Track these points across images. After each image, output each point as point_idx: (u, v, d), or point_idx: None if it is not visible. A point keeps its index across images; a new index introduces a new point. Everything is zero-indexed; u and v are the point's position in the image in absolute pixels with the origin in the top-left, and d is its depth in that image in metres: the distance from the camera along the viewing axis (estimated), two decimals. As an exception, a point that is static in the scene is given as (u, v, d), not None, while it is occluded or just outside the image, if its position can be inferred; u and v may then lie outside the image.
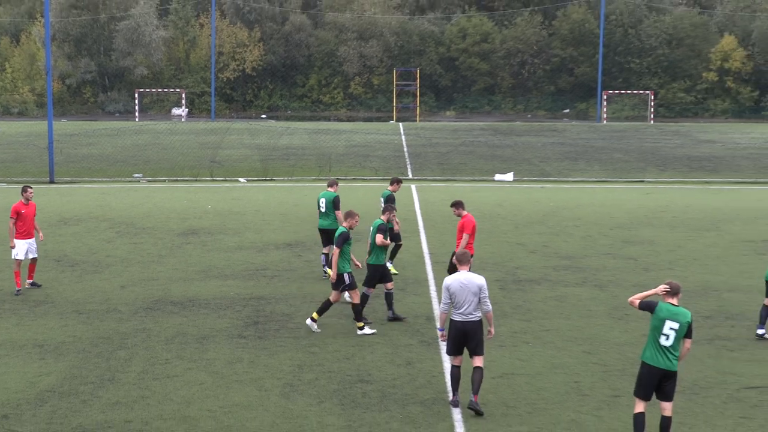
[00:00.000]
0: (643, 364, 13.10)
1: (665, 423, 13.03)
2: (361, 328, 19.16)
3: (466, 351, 14.95)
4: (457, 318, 15.00)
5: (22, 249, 22.84)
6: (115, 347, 18.48)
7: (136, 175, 47.28)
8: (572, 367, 17.23)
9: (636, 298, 13.28)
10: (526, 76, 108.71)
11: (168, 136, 72.50)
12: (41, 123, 71.27)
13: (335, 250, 19.36)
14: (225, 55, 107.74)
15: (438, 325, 16.11)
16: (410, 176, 47.46)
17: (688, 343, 13.09)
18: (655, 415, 13.24)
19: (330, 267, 21.15)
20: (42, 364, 17.49)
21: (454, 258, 16.31)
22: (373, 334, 19.10)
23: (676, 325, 12.88)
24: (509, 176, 46.89)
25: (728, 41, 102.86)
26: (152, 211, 35.05)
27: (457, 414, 14.90)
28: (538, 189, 43.29)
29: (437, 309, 21.28)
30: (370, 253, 20.44)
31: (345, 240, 19.44)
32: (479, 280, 15.06)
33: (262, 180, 45.63)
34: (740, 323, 20.15)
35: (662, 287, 13.03)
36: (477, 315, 14.99)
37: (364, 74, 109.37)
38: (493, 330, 15.42)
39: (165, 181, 44.74)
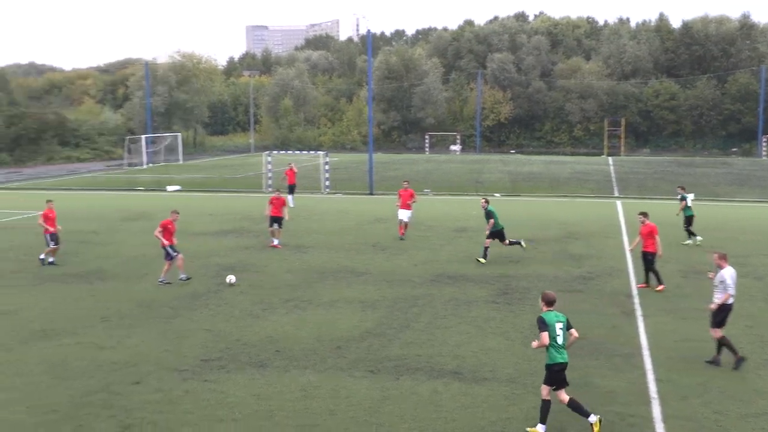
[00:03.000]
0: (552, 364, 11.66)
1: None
2: None
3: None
4: (732, 300, 14.54)
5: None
6: (409, 305, 18.85)
7: (426, 190, 47.97)
8: (737, 337, 16.12)
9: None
10: (703, 124, 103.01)
11: (447, 164, 73.17)
12: (364, 155, 73.64)
13: None
14: (486, 109, 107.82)
15: (720, 301, 14.45)
16: (616, 195, 45.81)
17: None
18: None
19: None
20: (363, 314, 18.07)
21: (716, 256, 14.78)
22: None
23: (561, 325, 11.80)
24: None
25: None
26: (435, 214, 35.52)
27: (648, 365, 14.34)
28: (711, 206, 40.80)
29: (635, 288, 20.53)
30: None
31: None
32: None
33: (511, 195, 45.34)
34: None
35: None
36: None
37: (584, 122, 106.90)
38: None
39: (444, 194, 45.24)
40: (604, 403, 12.47)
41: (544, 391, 11.60)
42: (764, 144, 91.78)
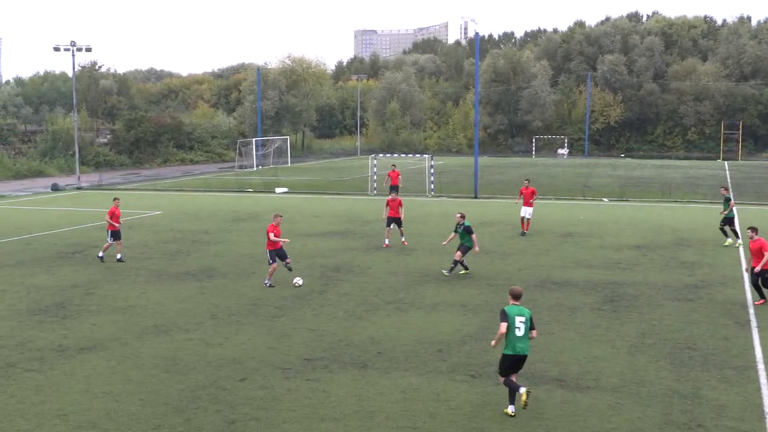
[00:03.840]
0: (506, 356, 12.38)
1: None
2: None
3: None
4: None
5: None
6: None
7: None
8: None
9: None
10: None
11: (554, 168, 72.06)
12: (470, 158, 73.39)
13: None
14: (596, 112, 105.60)
15: None
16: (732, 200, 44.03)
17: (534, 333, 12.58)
18: None
19: None
20: (464, 318, 18.01)
21: None
22: None
23: (523, 319, 12.35)
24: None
25: None
26: (541, 218, 34.99)
27: (763, 378, 13.72)
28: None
29: (750, 298, 19.70)
30: None
31: None
32: None
33: (620, 200, 44.22)
34: None
35: None
36: None
37: (698, 125, 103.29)
38: None
39: (550, 198, 44.53)
40: (715, 417, 12.02)
41: (501, 379, 12.48)
42: None
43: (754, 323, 17.43)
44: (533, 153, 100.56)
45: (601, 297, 20.04)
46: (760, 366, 14.44)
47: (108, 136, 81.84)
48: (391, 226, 28.01)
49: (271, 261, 21.44)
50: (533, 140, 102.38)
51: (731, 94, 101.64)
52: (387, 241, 27.85)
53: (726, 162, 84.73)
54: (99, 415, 12.19)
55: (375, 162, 50.22)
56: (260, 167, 74.81)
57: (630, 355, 14.99)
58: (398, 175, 41.49)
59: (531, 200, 30.91)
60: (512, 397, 12.17)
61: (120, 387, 13.42)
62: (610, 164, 79.57)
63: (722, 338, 16.28)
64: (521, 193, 31.32)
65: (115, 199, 26.67)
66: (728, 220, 28.56)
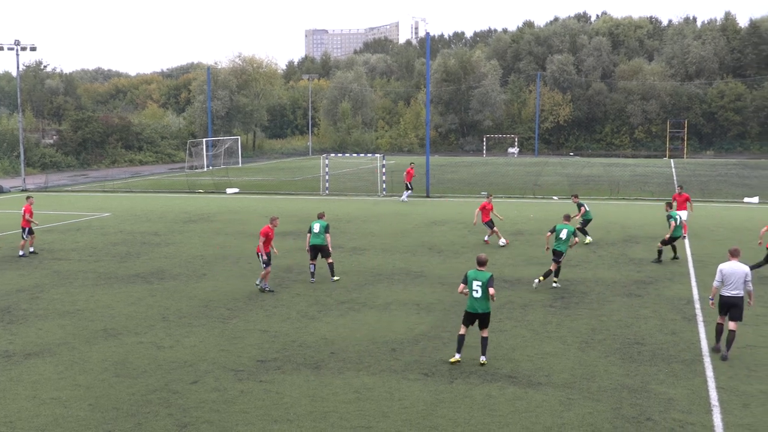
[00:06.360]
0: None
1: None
2: None
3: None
4: (725, 293, 14.98)
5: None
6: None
7: (483, 192, 47.77)
8: (802, 344, 15.71)
9: None
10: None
11: (504, 167, 72.71)
12: (421, 157, 73.59)
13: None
14: (545, 111, 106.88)
15: (711, 296, 15.44)
16: (678, 198, 44.93)
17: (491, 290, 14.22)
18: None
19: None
20: (417, 317, 18.06)
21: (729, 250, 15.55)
22: None
23: (480, 282, 14.29)
24: (755, 199, 43.48)
25: None
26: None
27: (710, 371, 14.01)
28: (778, 209, 39.75)
29: (697, 293, 20.13)
30: None
31: None
32: (746, 267, 15.03)
33: (569, 198, 44.76)
34: None
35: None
36: (741, 292, 14.90)
37: (645, 124, 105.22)
38: (752, 303, 15.63)
39: (501, 197, 44.91)
40: (664, 410, 12.24)
41: (461, 329, 14.53)
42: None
43: (700, 318, 17.80)
44: (484, 152, 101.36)
45: (551, 294, 20.27)
46: (706, 359, 14.73)
47: (54, 137, 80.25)
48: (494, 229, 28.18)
49: (265, 265, 20.54)
50: (484, 139, 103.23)
51: (676, 94, 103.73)
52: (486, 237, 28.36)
53: (672, 160, 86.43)
54: (47, 421, 11.95)
55: (327, 162, 50.10)
56: (211, 168, 74.13)
57: (580, 351, 15.19)
58: (411, 173, 44.67)
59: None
60: (460, 346, 14.55)
61: (68, 392, 13.17)
62: (560, 163, 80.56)
63: (670, 333, 16.59)
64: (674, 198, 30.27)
65: (28, 197, 27.90)
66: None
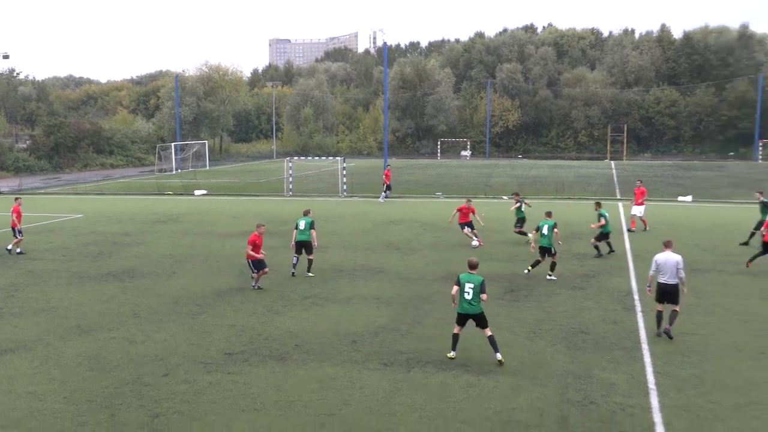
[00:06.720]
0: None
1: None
2: None
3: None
4: (661, 280, 15.50)
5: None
6: (421, 302, 18.89)
7: (437, 193, 48.03)
8: (731, 331, 16.10)
9: None
10: (702, 129, 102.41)
11: (457, 169, 73.08)
12: (380, 160, 73.72)
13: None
14: (495, 116, 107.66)
15: (648, 284, 16.28)
16: (618, 197, 45.66)
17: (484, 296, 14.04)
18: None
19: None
20: (377, 310, 18.12)
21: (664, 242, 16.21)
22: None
23: (472, 285, 13.95)
24: (689, 198, 44.33)
25: None
26: (447, 215, 35.46)
27: (647, 358, 14.30)
28: (709, 207, 40.60)
29: (635, 285, 20.49)
30: None
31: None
32: (677, 257, 15.50)
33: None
34: None
35: None
36: (675, 280, 15.40)
37: (588, 128, 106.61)
38: (686, 290, 15.80)
39: (455, 197, 45.12)
40: (606, 394, 12.46)
41: (455, 328, 14.29)
42: (760, 148, 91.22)
43: (638, 308, 18.13)
44: (438, 155, 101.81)
45: (502, 287, 20.47)
46: (645, 346, 15.02)
47: (27, 142, 78.74)
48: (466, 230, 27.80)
49: (254, 270, 20.15)
50: (438, 143, 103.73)
51: (617, 100, 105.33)
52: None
53: (613, 162, 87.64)
54: (22, 414, 11.77)
55: (290, 165, 49.91)
56: (179, 171, 73.34)
57: (529, 341, 15.38)
58: (388, 175, 45.43)
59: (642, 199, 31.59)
60: (454, 344, 14.25)
61: (43, 387, 12.98)
62: (509, 165, 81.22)
63: (611, 322, 16.87)
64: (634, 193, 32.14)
65: (17, 198, 27.85)
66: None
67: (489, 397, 12.35)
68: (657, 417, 11.56)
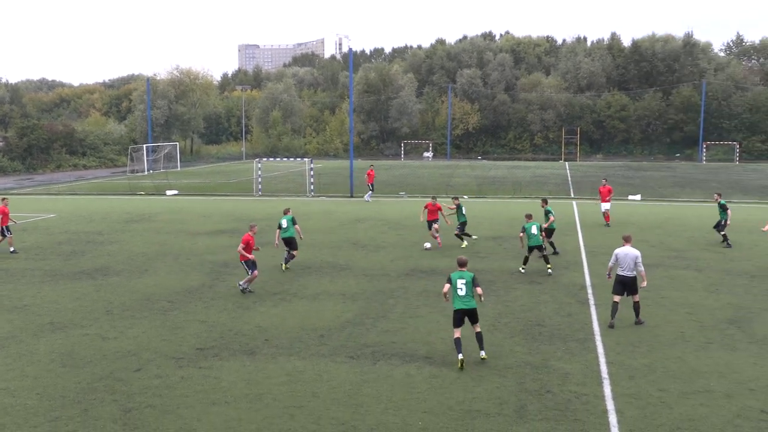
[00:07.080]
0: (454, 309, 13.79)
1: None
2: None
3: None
4: (620, 273, 15.96)
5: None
6: (386, 297, 18.86)
7: (401, 192, 48.08)
8: (679, 323, 16.33)
9: None
10: (650, 132, 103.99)
11: (420, 169, 73.22)
12: (345, 161, 73.55)
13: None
14: (456, 119, 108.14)
15: (607, 272, 16.89)
16: (572, 195, 46.14)
17: (479, 289, 13.77)
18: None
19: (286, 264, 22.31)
20: (344, 306, 18.05)
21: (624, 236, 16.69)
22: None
23: (464, 281, 13.68)
24: (638, 197, 44.96)
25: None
26: (410, 214, 35.58)
27: (600, 348, 14.42)
28: (657, 206, 41.20)
29: (589, 279, 20.69)
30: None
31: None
32: (636, 252, 15.99)
33: (478, 197, 45.50)
34: (798, 298, 18.46)
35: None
36: (633, 273, 15.85)
37: (543, 131, 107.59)
38: (645, 283, 16.18)
39: (418, 197, 45.27)
40: (561, 383, 12.53)
41: (455, 332, 13.66)
42: (704, 150, 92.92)
43: (592, 301, 18.30)
44: (402, 156, 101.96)
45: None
46: (598, 338, 15.16)
47: (0, 144, 77.12)
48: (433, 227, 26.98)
49: (249, 270, 19.43)
50: (402, 145, 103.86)
51: (570, 104, 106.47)
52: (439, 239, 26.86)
53: (567, 162, 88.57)
54: (-4, 410, 11.49)
55: (260, 166, 49.58)
56: (151, 171, 72.44)
57: (489, 333, 15.42)
58: (372, 174, 46.06)
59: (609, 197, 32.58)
60: (458, 348, 13.42)
61: (16, 383, 12.69)
62: (469, 166, 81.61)
63: (566, 315, 17.00)
64: (600, 191, 32.69)
65: (3, 198, 27.06)
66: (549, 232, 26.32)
67: (451, 388, 12.36)
68: (610, 405, 11.67)
